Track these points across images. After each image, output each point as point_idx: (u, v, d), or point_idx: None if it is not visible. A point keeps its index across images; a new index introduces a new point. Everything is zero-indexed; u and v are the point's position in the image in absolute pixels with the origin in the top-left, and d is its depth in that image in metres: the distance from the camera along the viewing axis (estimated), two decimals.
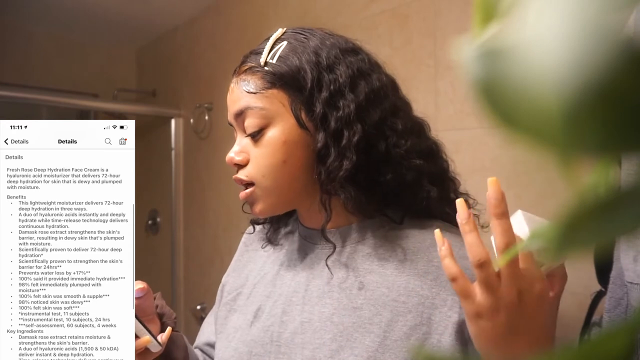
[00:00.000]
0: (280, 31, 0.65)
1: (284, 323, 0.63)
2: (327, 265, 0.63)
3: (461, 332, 0.55)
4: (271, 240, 0.74)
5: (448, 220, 0.66)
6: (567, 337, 0.91)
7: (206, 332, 0.79)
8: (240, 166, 0.64)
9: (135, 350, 0.57)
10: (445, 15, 1.18)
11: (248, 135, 0.62)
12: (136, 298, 0.58)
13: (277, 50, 0.62)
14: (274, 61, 0.61)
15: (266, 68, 0.61)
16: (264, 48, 0.63)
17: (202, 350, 0.79)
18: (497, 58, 0.12)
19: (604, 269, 0.63)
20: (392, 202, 0.64)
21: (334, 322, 0.59)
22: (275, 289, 0.67)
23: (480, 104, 0.13)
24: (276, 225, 0.75)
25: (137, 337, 0.58)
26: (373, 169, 0.61)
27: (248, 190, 0.63)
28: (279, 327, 0.63)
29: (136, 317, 0.57)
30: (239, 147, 0.63)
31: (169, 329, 0.64)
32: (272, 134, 0.61)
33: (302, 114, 0.60)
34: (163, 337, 0.62)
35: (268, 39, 0.65)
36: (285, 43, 0.63)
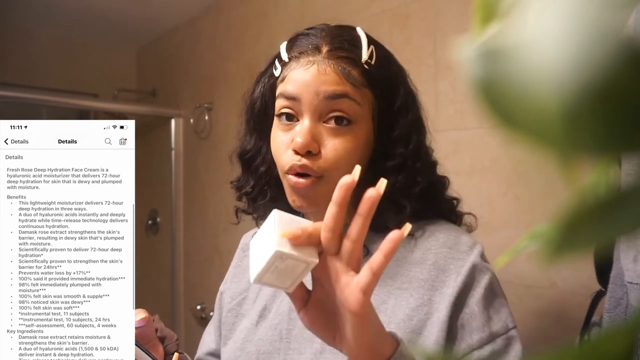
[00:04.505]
0: (359, 29, 0.63)
1: (292, 320, 0.63)
2: None
3: (454, 305, 0.57)
4: None
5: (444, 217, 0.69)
6: (567, 337, 0.91)
7: (207, 342, 0.78)
8: (310, 154, 0.57)
9: None
10: (445, 15, 1.18)
11: (325, 123, 0.58)
12: (138, 327, 0.58)
13: (372, 52, 0.61)
14: (373, 63, 0.60)
15: (366, 67, 0.59)
16: (355, 41, 0.61)
17: None
18: (497, 58, 0.12)
19: (604, 269, 0.63)
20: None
21: None
22: None
23: (480, 104, 0.13)
24: None
25: None
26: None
27: (307, 181, 0.57)
28: (288, 324, 0.63)
29: (139, 346, 0.56)
30: (312, 135, 0.57)
31: (176, 354, 0.62)
32: (359, 130, 0.59)
33: (375, 122, 0.62)
34: None
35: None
36: (372, 47, 0.61)
